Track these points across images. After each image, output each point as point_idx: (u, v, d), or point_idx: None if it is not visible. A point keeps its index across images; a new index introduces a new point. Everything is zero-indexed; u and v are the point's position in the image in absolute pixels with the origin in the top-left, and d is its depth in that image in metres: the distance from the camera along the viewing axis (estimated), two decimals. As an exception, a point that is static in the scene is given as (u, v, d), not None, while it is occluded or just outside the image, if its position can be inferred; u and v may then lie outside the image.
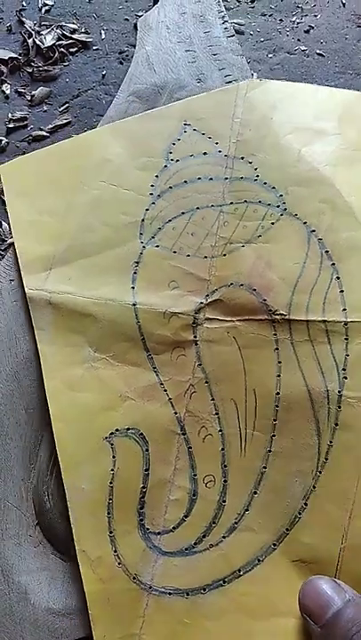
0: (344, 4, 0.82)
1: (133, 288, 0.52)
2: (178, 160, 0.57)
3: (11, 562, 0.48)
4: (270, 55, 0.80)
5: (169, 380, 0.49)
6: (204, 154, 0.57)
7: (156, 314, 0.51)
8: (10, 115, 0.74)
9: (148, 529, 0.46)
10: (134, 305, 0.51)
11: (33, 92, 0.75)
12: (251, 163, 0.56)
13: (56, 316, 0.52)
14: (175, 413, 0.48)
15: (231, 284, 0.51)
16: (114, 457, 0.48)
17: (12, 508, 0.50)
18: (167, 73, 0.66)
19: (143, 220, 0.55)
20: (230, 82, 0.66)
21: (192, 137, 0.58)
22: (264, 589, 0.44)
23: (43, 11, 0.80)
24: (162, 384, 0.49)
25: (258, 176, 0.55)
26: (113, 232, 0.55)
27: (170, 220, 0.54)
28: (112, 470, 0.48)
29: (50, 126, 0.73)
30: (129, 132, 0.60)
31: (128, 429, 0.48)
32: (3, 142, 0.72)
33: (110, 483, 0.47)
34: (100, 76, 0.78)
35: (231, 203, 0.54)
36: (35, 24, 0.79)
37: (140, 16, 0.81)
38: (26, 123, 0.74)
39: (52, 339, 0.52)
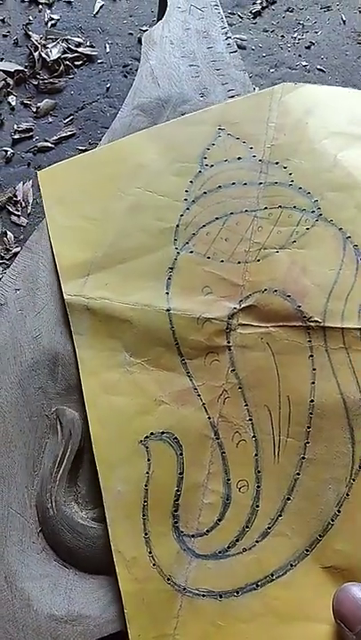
0: (344, 22, 0.84)
1: (168, 294, 0.52)
2: (212, 165, 0.57)
3: (14, 568, 0.48)
4: (272, 70, 0.81)
5: (203, 384, 0.49)
6: (239, 159, 0.57)
7: (189, 319, 0.51)
8: (15, 126, 0.75)
9: (182, 531, 0.46)
10: (168, 310, 0.51)
11: (38, 104, 0.76)
12: (285, 168, 0.55)
13: (94, 321, 0.53)
14: (209, 418, 0.48)
15: (265, 289, 0.50)
16: (149, 460, 0.48)
17: (15, 515, 0.50)
18: (171, 87, 0.67)
19: (178, 226, 0.54)
20: (233, 96, 0.66)
21: (226, 142, 0.58)
22: (297, 594, 0.44)
23: (49, 25, 0.82)
24: (196, 389, 0.49)
25: (293, 181, 0.54)
26: (148, 238, 0.55)
27: (204, 226, 0.54)
28: (147, 473, 0.48)
29: (55, 138, 0.75)
30: (164, 138, 0.60)
31: (163, 433, 0.48)
32: (8, 153, 0.73)
33: (145, 485, 0.47)
34: (105, 88, 0.79)
35: (265, 208, 0.54)
36: (41, 37, 0.81)
37: (144, 30, 0.82)
38: (31, 134, 0.75)
39: (89, 343, 0.52)
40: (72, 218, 0.57)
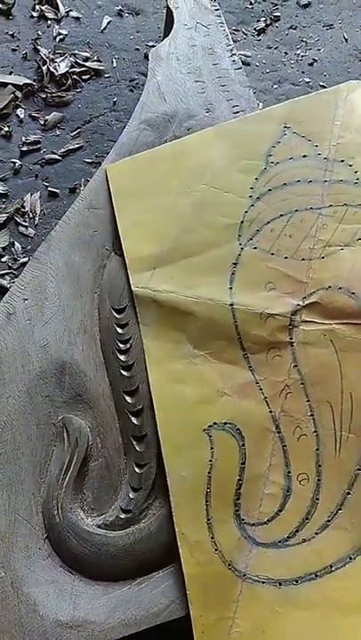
0: (347, 40, 0.85)
1: (231, 289, 0.54)
2: (277, 163, 0.58)
3: (20, 574, 0.49)
4: (275, 86, 0.83)
5: (265, 379, 0.51)
6: (304, 156, 0.58)
7: (252, 314, 0.52)
8: (24, 138, 0.76)
9: (243, 519, 0.48)
10: (232, 305, 0.53)
11: (46, 117, 0.78)
12: (351, 166, 0.56)
13: (160, 313, 0.55)
14: (270, 412, 0.50)
15: (329, 286, 0.51)
16: (212, 448, 0.50)
17: (22, 522, 0.51)
18: (177, 102, 0.68)
19: (242, 222, 0.56)
20: (237, 112, 0.68)
21: (292, 140, 0.59)
22: (355, 586, 0.45)
23: (57, 39, 0.84)
24: (257, 383, 0.51)
25: (358, 179, 0.55)
26: (213, 233, 0.56)
27: (268, 222, 0.55)
28: (210, 461, 0.49)
29: (62, 150, 0.76)
30: (230, 136, 0.62)
31: (225, 424, 0.50)
32: (16, 165, 0.74)
33: (208, 473, 0.49)
34: (112, 102, 0.81)
35: (330, 205, 0.55)
36: (49, 52, 0.82)
37: (150, 46, 0.84)
38: (39, 146, 0.76)
39: (155, 334, 0.54)
40: (139, 212, 0.59)
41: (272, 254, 0.54)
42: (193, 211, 0.58)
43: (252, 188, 0.57)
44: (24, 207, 0.73)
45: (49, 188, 0.75)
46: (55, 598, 0.48)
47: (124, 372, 0.55)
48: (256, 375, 0.51)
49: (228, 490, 0.49)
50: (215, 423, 0.50)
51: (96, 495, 0.52)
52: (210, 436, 0.50)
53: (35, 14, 0.86)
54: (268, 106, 0.81)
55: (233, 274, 0.54)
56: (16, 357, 0.56)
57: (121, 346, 0.56)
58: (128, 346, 0.56)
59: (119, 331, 0.56)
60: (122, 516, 0.51)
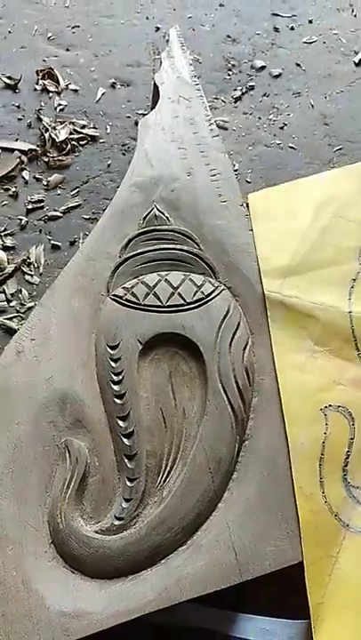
0: (313, 106, 0.97)
1: (350, 299, 0.65)
2: None
3: (29, 573, 0.57)
4: (250, 148, 0.94)
5: None
6: None
7: None
8: (29, 197, 0.87)
9: (349, 482, 0.59)
10: (350, 312, 0.64)
11: (49, 179, 0.88)
12: None
13: (286, 313, 0.65)
14: None
15: None
16: (326, 424, 0.60)
17: (30, 529, 0.59)
18: (162, 167, 0.78)
19: None
20: (214, 175, 0.78)
21: None
22: None
23: (58, 109, 0.95)
24: None
25: None
26: (336, 253, 0.68)
27: None
28: (325, 433, 0.60)
29: (63, 208, 0.86)
30: (356, 174, 0.75)
31: (339, 407, 0.61)
32: (23, 221, 0.84)
33: (323, 442, 0.60)
34: (106, 165, 0.91)
35: None
36: (51, 120, 0.93)
37: (140, 114, 0.95)
38: (42, 204, 0.86)
39: (282, 330, 0.65)
40: (275, 232, 0.72)
41: None
42: (320, 234, 0.70)
43: None
44: (29, 258, 0.82)
45: (52, 242, 0.84)
46: (59, 593, 0.56)
47: (117, 400, 0.63)
48: None
49: (338, 457, 0.60)
50: (330, 405, 0.61)
51: (94, 506, 0.61)
52: (325, 415, 0.61)
53: (38, 87, 0.97)
54: (243, 167, 0.92)
55: (352, 287, 0.66)
56: (25, 389, 0.65)
57: (114, 377, 0.64)
58: (120, 377, 0.64)
59: (113, 365, 0.65)
60: (116, 523, 0.59)
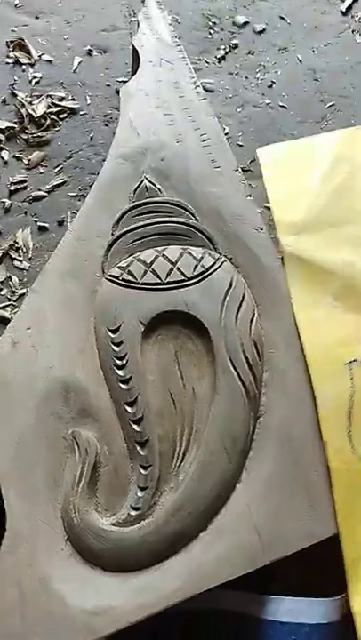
0: (301, 61, 0.92)
1: None
2: None
3: (47, 572, 0.54)
4: (239, 109, 0.89)
5: None
6: None
7: None
8: (10, 178, 0.82)
9: None
10: None
11: (29, 157, 0.84)
12: None
13: (304, 268, 0.65)
14: None
15: None
16: (352, 378, 0.60)
17: (43, 526, 0.56)
18: (149, 136, 0.74)
19: None
20: (205, 140, 0.74)
21: None
22: None
23: (33, 83, 0.90)
24: None
25: None
26: (352, 213, 0.68)
27: None
28: (351, 387, 0.60)
29: (47, 186, 0.82)
30: None
31: None
32: (6, 204, 0.80)
33: (351, 396, 0.59)
34: (89, 138, 0.87)
35: None
36: (26, 95, 0.88)
37: (120, 82, 0.90)
38: (25, 185, 0.82)
39: (301, 287, 0.64)
40: (289, 188, 0.71)
41: None
42: (334, 192, 0.70)
43: None
44: (17, 243, 0.78)
45: (38, 223, 0.81)
46: (80, 591, 0.54)
47: (122, 386, 0.61)
48: None
49: None
50: (355, 360, 0.61)
51: (108, 497, 0.58)
52: (351, 369, 0.61)
53: (9, 61, 0.92)
54: (233, 129, 0.88)
55: None
56: (24, 381, 0.62)
57: (118, 362, 0.61)
58: (124, 362, 0.61)
59: (115, 349, 0.62)
60: (132, 514, 0.57)
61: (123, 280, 0.65)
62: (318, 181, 0.71)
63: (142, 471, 0.58)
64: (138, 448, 0.59)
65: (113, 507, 0.58)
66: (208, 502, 0.57)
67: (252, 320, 0.63)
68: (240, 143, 0.86)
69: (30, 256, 0.78)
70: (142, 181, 0.70)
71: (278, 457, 0.59)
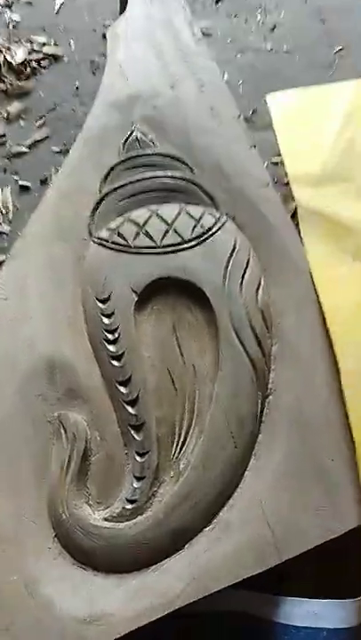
0: (306, 1, 0.84)
1: None
2: None
3: (33, 575, 0.48)
4: (238, 55, 0.81)
5: None
6: None
7: None
8: (-13, 133, 0.75)
9: None
10: None
11: (8, 109, 0.76)
12: None
13: (321, 225, 0.61)
14: None
15: None
16: None
17: (28, 523, 0.50)
18: (140, 82, 0.67)
19: None
20: (203, 85, 0.67)
21: None
22: None
23: (10, 26, 0.81)
24: None
25: None
26: None
27: None
28: None
29: (28, 141, 0.74)
30: None
31: None
32: (-18, 161, 0.73)
33: None
34: (74, 87, 0.79)
35: None
36: (4, 40, 0.80)
37: (107, 25, 0.81)
38: (4, 139, 0.74)
39: (318, 245, 0.60)
40: (302, 138, 0.67)
41: None
42: (350, 145, 0.66)
43: None
44: (-5, 204, 0.71)
45: (19, 182, 0.74)
46: (70, 595, 0.48)
47: (114, 363, 0.54)
48: None
49: None
50: None
51: (100, 488, 0.52)
52: None
53: (-16, 2, 0.83)
54: (233, 77, 0.79)
55: None
56: (4, 358, 0.55)
57: (109, 336, 0.55)
58: (116, 335, 0.55)
59: (105, 321, 0.55)
60: (128, 507, 0.51)
61: (112, 243, 0.58)
62: (333, 133, 0.66)
63: (138, 458, 0.52)
64: (133, 432, 0.53)
65: (106, 499, 0.52)
66: (213, 493, 0.51)
67: (258, 287, 0.57)
68: (240, 92, 0.79)
69: (10, 219, 0.71)
70: (133, 132, 0.64)
71: (290, 441, 0.53)
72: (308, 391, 0.54)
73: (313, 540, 0.49)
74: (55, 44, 0.82)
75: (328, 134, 0.66)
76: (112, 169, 0.62)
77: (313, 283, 0.57)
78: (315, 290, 0.57)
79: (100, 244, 0.58)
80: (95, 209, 0.60)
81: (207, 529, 0.50)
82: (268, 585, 0.52)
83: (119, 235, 0.58)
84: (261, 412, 0.54)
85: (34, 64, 0.80)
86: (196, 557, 0.49)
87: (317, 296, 0.57)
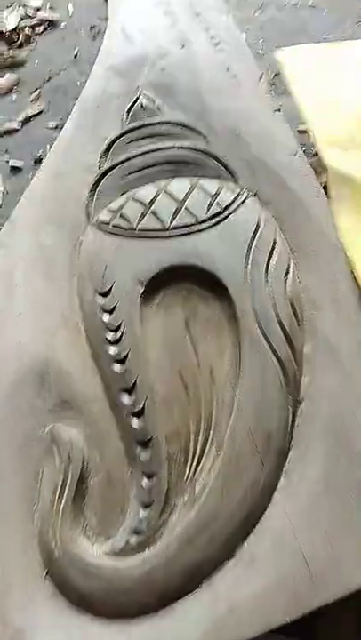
0: None
1: None
2: None
3: (21, 624, 0.41)
4: (258, 12, 0.74)
5: None
6: None
7: None
8: (-24, 108, 0.69)
9: None
10: None
11: (-1, 81, 0.70)
12: None
13: (351, 185, 0.57)
14: None
15: None
16: None
17: (15, 561, 0.43)
18: (146, 42, 0.62)
19: None
20: (218, 43, 0.59)
21: None
22: None
23: (2, -10, 0.76)
24: None
25: None
26: None
27: None
28: None
29: (21, 117, 0.69)
30: None
31: None
32: (-29, 139, 0.67)
33: None
34: (72, 55, 0.73)
35: None
36: (-5, 6, 0.74)
37: (109, -14, 0.75)
38: (-6, 115, 0.69)
39: (350, 213, 0.56)
40: (321, 97, 0.62)
41: None
42: None
43: None
44: (-16, 186, 0.66)
45: (10, 162, 0.69)
46: (64, 647, 0.41)
47: (116, 367, 0.48)
48: None
49: None
50: None
51: (100, 517, 0.45)
52: None
53: (-27, -36, 0.78)
54: (253, 36, 0.72)
55: None
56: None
57: (110, 336, 0.49)
58: (119, 335, 0.49)
59: (106, 318, 0.50)
60: (133, 539, 0.44)
61: (114, 227, 0.53)
62: (353, 94, 0.61)
63: (145, 481, 0.46)
64: (138, 449, 0.46)
65: (107, 530, 0.45)
66: (236, 520, 0.44)
67: (287, 273, 0.51)
68: (260, 52, 0.73)
69: (0, 203, 0.66)
70: (138, 98, 0.60)
71: (328, 456, 0.46)
72: (349, 398, 0.47)
73: (358, 581, 0.41)
74: (51, 8, 0.77)
75: (348, 96, 0.61)
76: (113, 141, 0.58)
77: (352, 266, 0.51)
78: (353, 275, 0.50)
79: (99, 228, 0.54)
80: (94, 188, 0.56)
81: (229, 564, 0.43)
82: (299, 627, 0.44)
83: (122, 216, 0.54)
84: (292, 422, 0.47)
85: (27, 31, 0.75)
86: (215, 600, 0.42)
87: (357, 282, 0.50)
